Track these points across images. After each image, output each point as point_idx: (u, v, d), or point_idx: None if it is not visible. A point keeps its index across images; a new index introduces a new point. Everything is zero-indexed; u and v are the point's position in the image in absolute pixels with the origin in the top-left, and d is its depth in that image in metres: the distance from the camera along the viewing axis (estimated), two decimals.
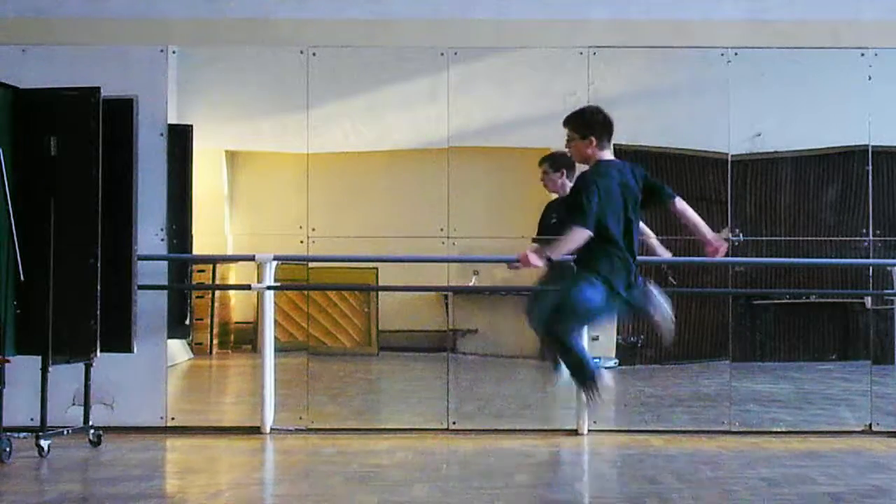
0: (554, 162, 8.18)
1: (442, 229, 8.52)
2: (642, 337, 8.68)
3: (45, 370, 7.27)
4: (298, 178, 8.60)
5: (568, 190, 7.93)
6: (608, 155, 6.56)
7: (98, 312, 7.29)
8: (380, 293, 8.88)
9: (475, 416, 8.47)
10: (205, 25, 8.63)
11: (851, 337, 8.82)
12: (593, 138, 6.49)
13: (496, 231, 8.61)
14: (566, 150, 6.79)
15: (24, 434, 7.24)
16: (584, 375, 6.36)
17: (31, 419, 7.56)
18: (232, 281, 9.18)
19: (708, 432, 8.24)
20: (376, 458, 7.28)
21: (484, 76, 8.78)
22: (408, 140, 8.91)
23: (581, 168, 6.84)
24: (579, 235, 6.33)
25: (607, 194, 6.36)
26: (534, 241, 8.11)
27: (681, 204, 6.64)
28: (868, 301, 8.61)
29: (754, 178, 8.69)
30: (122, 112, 7.58)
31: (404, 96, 8.88)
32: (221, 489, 6.36)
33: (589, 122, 6.55)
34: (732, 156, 8.55)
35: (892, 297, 8.48)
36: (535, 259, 6.32)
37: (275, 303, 8.37)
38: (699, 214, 6.54)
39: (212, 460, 7.47)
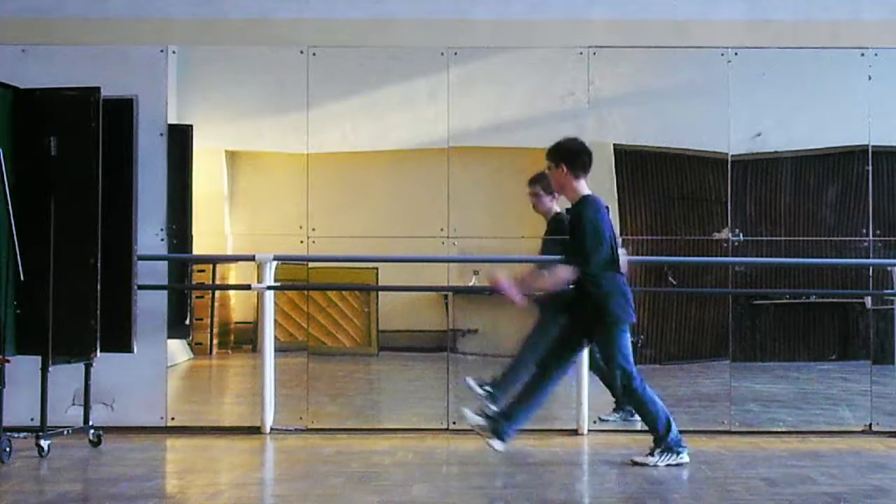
0: (548, 184, 7.78)
1: (442, 229, 8.52)
2: (642, 337, 8.67)
3: (45, 370, 7.27)
4: (298, 178, 8.60)
5: (554, 212, 8.14)
6: (585, 187, 7.00)
7: (98, 312, 7.29)
8: (380, 293, 8.88)
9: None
10: (205, 25, 8.63)
11: (851, 337, 8.82)
12: (564, 166, 6.96)
13: (496, 231, 8.61)
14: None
15: (24, 434, 7.24)
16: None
17: (31, 419, 7.56)
18: (232, 281, 9.17)
19: (708, 432, 8.24)
20: (376, 458, 7.28)
21: (484, 76, 8.77)
22: (408, 140, 8.90)
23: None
24: (565, 274, 6.85)
25: (603, 231, 6.88)
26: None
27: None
28: (868, 301, 8.61)
29: (754, 178, 8.68)
30: (122, 112, 7.58)
31: (404, 96, 8.88)
32: (221, 489, 6.36)
33: (562, 152, 7.02)
34: (732, 156, 8.54)
35: (892, 297, 8.48)
36: (512, 293, 6.84)
37: (275, 303, 8.37)
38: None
39: (212, 460, 7.47)
